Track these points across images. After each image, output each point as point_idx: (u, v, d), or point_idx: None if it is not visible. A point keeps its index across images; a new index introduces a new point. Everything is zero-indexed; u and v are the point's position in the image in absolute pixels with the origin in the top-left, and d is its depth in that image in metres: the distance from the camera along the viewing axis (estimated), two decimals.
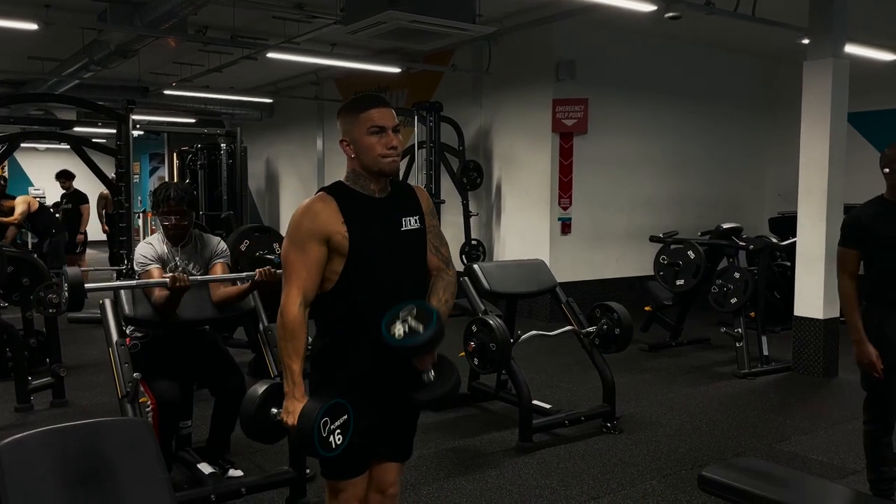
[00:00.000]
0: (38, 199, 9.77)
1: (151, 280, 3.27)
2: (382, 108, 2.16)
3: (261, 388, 2.18)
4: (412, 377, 2.18)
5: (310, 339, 2.21)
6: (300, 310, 2.10)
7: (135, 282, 3.30)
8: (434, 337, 2.08)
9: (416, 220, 2.24)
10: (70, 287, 2.99)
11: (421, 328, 2.07)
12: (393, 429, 2.25)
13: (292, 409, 2.08)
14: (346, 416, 2.06)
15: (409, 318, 2.08)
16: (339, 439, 2.04)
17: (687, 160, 9.10)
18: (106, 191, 9.70)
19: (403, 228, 2.21)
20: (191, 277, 3.28)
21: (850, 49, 6.00)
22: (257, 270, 3.35)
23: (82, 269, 9.76)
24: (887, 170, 3.26)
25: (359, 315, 2.15)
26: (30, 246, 10.60)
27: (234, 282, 3.52)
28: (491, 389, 4.96)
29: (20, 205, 9.45)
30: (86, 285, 3.09)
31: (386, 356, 2.14)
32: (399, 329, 2.08)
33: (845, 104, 5.74)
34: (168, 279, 3.16)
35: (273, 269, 3.31)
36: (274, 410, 2.15)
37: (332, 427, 2.02)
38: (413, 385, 2.18)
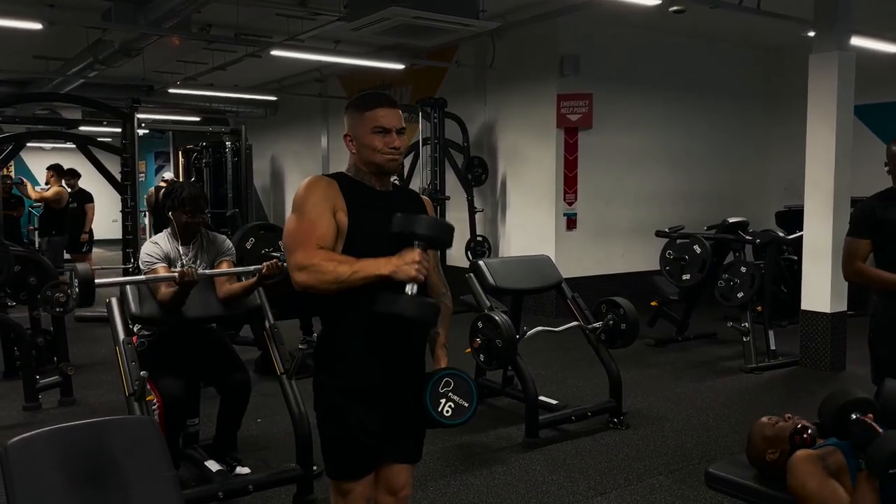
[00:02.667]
0: (69, 197, 9.79)
1: (161, 275, 3.28)
2: (389, 108, 2.12)
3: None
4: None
5: (314, 335, 2.20)
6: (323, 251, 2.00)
7: (145, 276, 3.32)
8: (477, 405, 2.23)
9: None
10: (80, 283, 3.01)
11: (466, 404, 2.18)
12: (401, 428, 2.20)
13: (403, 257, 1.97)
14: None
15: (451, 394, 2.16)
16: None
17: (692, 154, 9.07)
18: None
19: None
20: (199, 272, 3.29)
21: (856, 41, 5.96)
22: (264, 264, 3.38)
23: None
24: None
25: (358, 309, 2.08)
26: (37, 245, 10.64)
27: (239, 278, 3.54)
28: (497, 385, 4.95)
29: (55, 192, 9.52)
30: (96, 281, 3.11)
31: (388, 354, 2.12)
32: (445, 406, 2.14)
33: (851, 97, 5.71)
34: (177, 273, 3.18)
35: (280, 263, 3.31)
36: (407, 289, 2.01)
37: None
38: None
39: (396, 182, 2.41)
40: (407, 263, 1.98)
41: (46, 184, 10.01)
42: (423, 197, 2.34)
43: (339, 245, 2.08)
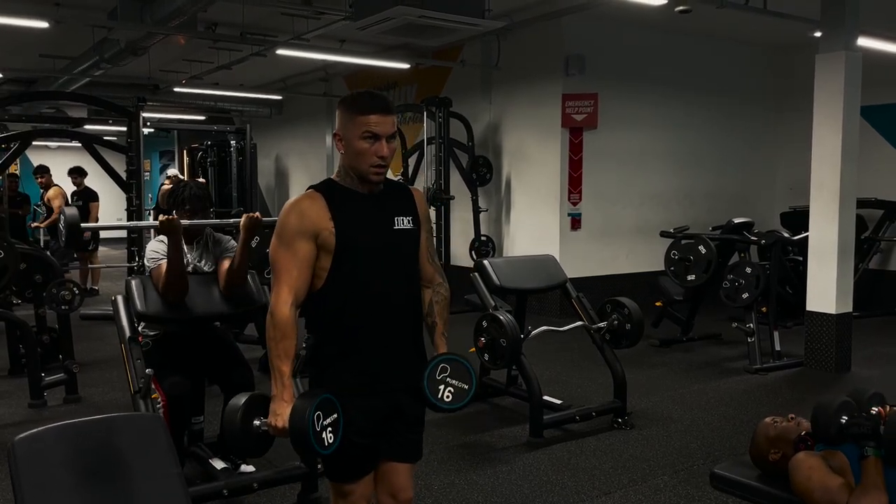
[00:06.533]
0: (74, 196, 9.89)
1: (143, 223, 3.36)
2: (382, 114, 2.06)
3: (242, 399, 2.12)
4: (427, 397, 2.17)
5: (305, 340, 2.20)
6: (291, 310, 2.06)
7: (129, 223, 3.40)
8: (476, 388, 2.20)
9: (409, 220, 2.18)
10: (67, 225, 3.10)
11: (465, 386, 2.16)
12: (394, 425, 2.19)
13: (280, 412, 2.01)
14: (335, 415, 2.02)
15: (449, 378, 2.13)
16: (330, 438, 2.00)
17: (697, 154, 9.06)
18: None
19: (396, 227, 2.15)
20: (198, 264, 3.33)
21: (863, 42, 5.94)
22: (243, 216, 3.39)
23: (94, 265, 9.90)
24: None
25: (349, 314, 2.11)
26: (42, 243, 10.66)
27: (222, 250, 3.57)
28: (501, 385, 4.95)
29: (57, 198, 9.62)
30: (81, 224, 3.34)
31: (379, 355, 2.13)
32: (445, 392, 2.12)
33: (858, 98, 5.69)
34: (159, 221, 3.20)
35: (257, 215, 3.37)
36: (257, 422, 2.10)
37: (324, 423, 1.98)
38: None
39: (399, 178, 2.41)
40: (275, 415, 2.04)
41: (45, 188, 10.08)
42: (416, 191, 2.30)
43: (328, 260, 2.09)
